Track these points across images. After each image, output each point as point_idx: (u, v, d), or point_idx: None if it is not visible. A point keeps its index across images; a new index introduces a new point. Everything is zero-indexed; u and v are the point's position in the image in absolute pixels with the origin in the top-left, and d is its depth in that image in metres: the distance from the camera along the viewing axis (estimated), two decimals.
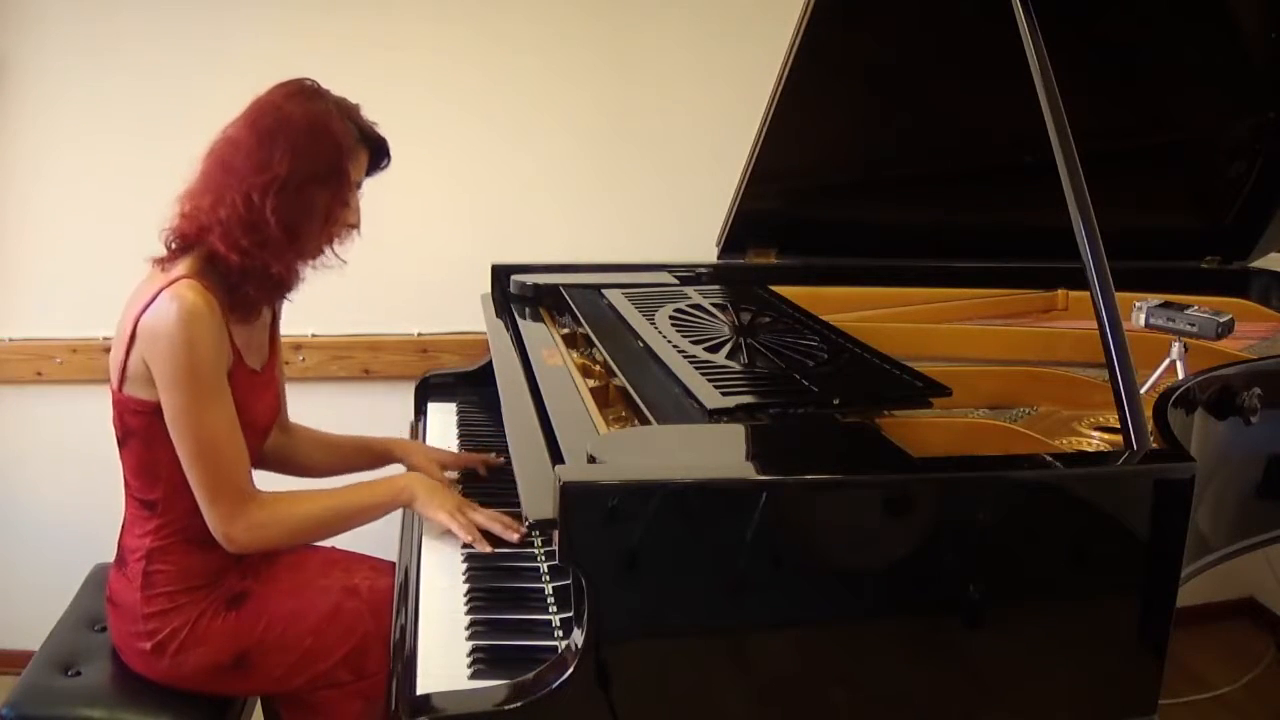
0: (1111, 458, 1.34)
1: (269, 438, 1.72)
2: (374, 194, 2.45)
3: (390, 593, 1.59)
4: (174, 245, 1.50)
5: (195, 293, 1.43)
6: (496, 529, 1.49)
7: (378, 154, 1.59)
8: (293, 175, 1.45)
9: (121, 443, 1.53)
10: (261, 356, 1.62)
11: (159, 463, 1.48)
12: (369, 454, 1.86)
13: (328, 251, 1.56)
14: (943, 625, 1.16)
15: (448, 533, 1.51)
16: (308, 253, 1.53)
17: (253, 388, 1.56)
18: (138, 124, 2.29)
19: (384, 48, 2.34)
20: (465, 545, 1.49)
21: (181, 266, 1.47)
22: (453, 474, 1.79)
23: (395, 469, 1.78)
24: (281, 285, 1.54)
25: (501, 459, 1.78)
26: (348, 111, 1.53)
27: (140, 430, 1.48)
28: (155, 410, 1.46)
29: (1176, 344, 1.58)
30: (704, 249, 2.20)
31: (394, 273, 2.44)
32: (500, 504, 1.63)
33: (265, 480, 1.69)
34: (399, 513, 1.76)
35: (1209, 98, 2.03)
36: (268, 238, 1.45)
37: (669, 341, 1.60)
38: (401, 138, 2.35)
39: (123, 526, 1.58)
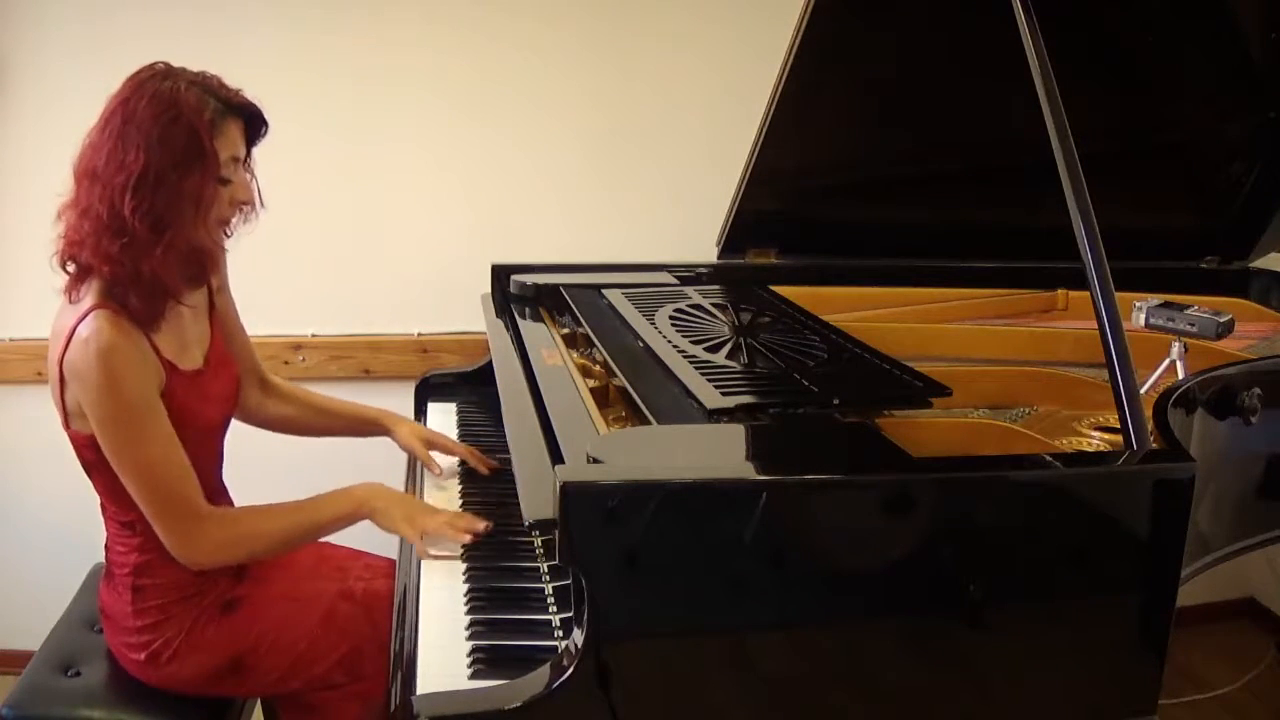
0: (1111, 458, 1.34)
1: (251, 400, 1.73)
2: (374, 194, 2.47)
3: (386, 594, 1.59)
4: (69, 269, 1.43)
5: (106, 322, 1.37)
6: (448, 535, 1.46)
7: (253, 122, 1.49)
8: (149, 167, 1.36)
9: (88, 472, 1.50)
10: (201, 347, 1.56)
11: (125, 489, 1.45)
12: (360, 422, 1.86)
13: (218, 234, 1.50)
14: (942, 625, 1.16)
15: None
16: (182, 242, 1.42)
17: (197, 388, 1.52)
18: None
19: (384, 47, 2.34)
20: (464, 545, 1.48)
21: (89, 295, 1.41)
22: (450, 460, 1.79)
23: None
24: (160, 283, 1.41)
25: (496, 464, 1.77)
26: (205, 85, 1.43)
27: (98, 461, 1.45)
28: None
29: (1176, 344, 1.58)
30: (704, 249, 2.20)
31: (394, 273, 2.44)
32: (501, 502, 1.63)
33: (250, 484, 1.71)
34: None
35: (1209, 98, 2.03)
36: (134, 238, 1.37)
37: (669, 341, 1.60)
38: (402, 137, 2.38)
39: (106, 542, 1.58)
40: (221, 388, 1.60)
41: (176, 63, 1.41)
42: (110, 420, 1.38)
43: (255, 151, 1.52)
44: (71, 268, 1.43)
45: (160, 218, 1.38)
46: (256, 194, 1.51)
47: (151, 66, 1.44)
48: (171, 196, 1.39)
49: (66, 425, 1.47)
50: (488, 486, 1.73)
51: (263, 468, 1.91)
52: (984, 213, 2.09)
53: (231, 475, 1.70)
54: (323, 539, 1.61)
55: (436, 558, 1.46)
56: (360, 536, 1.64)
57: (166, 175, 1.38)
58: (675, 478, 1.08)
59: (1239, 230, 2.20)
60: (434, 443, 1.81)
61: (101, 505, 1.55)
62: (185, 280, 1.48)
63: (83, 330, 1.37)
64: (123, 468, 1.41)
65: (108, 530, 1.56)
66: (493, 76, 2.40)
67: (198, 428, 1.50)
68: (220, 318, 1.65)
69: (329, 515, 1.52)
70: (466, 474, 1.79)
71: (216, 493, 1.63)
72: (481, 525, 1.46)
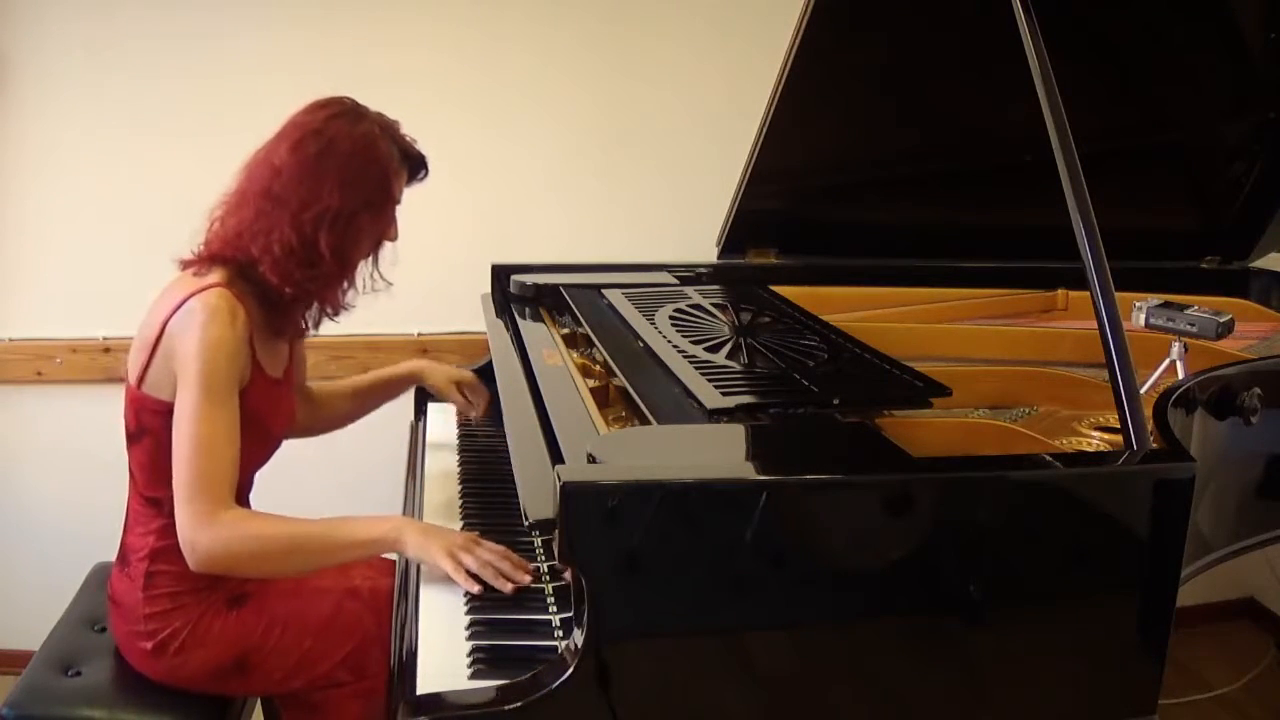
0: (1111, 458, 1.34)
1: (302, 417, 1.76)
2: None
3: (390, 593, 1.59)
4: (208, 258, 1.49)
5: (225, 301, 1.43)
6: (489, 575, 1.36)
7: (415, 168, 1.60)
8: (345, 205, 1.45)
9: (133, 439, 1.52)
10: (282, 363, 1.61)
11: (167, 462, 1.45)
12: (394, 384, 1.91)
13: (373, 270, 1.59)
14: (943, 625, 1.16)
15: None
16: (355, 276, 1.55)
17: (273, 396, 1.56)
18: (138, 124, 2.29)
19: (384, 47, 2.34)
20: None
21: (215, 274, 1.47)
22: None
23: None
24: (327, 309, 1.55)
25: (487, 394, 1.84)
26: (390, 131, 1.53)
27: (154, 429, 1.47)
28: (171, 411, 1.44)
29: (1176, 344, 1.58)
30: (704, 249, 2.20)
31: (394, 273, 2.43)
32: (500, 505, 1.63)
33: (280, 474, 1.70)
34: (400, 508, 1.77)
35: (1209, 98, 2.03)
36: (321, 270, 1.47)
37: (669, 341, 1.60)
38: None
39: (125, 525, 1.58)
40: (289, 405, 1.65)
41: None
42: (194, 381, 1.41)
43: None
44: (208, 255, 1.49)
45: (347, 254, 1.49)
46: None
47: (341, 101, 1.52)
48: (357, 235, 1.49)
49: (138, 384, 1.49)
50: (488, 487, 1.73)
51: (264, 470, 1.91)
52: (984, 213, 2.09)
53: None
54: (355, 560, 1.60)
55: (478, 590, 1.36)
56: None
57: (359, 216, 1.48)
58: (675, 478, 1.08)
59: (1239, 230, 2.20)
60: (463, 381, 1.90)
61: (131, 479, 1.55)
62: (333, 313, 1.58)
63: (202, 299, 1.43)
64: (183, 428, 1.42)
65: (130, 510, 1.57)
66: (493, 76, 2.40)
67: (261, 433, 1.53)
68: (297, 344, 1.69)
69: (351, 537, 1.45)
70: (466, 474, 1.79)
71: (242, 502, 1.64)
72: (526, 579, 1.36)
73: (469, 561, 1.37)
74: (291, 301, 1.49)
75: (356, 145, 1.47)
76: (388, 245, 1.60)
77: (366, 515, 1.47)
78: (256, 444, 1.54)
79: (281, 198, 1.45)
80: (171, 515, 1.47)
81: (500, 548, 1.40)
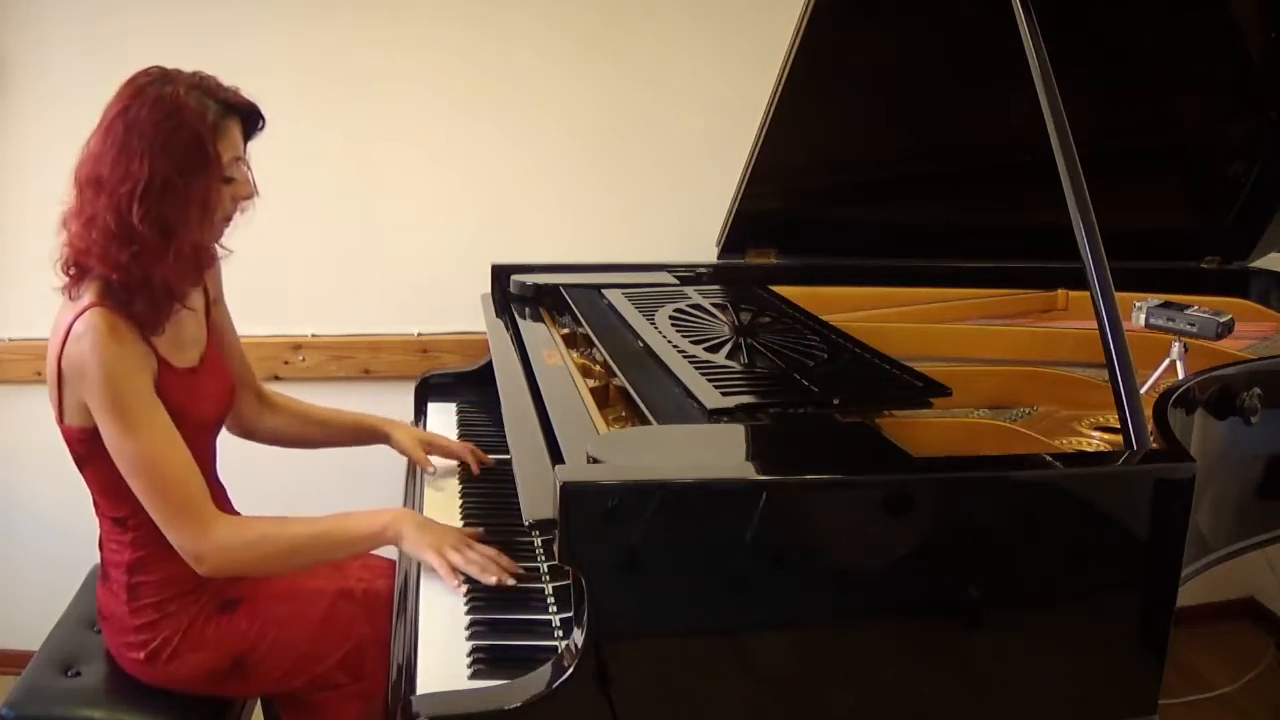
0: (1111, 458, 1.34)
1: (247, 412, 1.72)
2: (374, 194, 2.46)
3: (386, 594, 1.59)
4: (70, 272, 1.44)
5: (103, 319, 1.38)
6: (475, 571, 1.38)
7: (250, 119, 1.50)
8: (155, 174, 1.37)
9: (80, 468, 1.50)
10: (198, 348, 1.57)
11: (120, 481, 1.44)
12: (358, 431, 1.86)
13: (220, 230, 1.51)
14: (942, 625, 1.16)
15: None
16: (189, 246, 1.45)
17: (191, 386, 1.52)
18: None
19: (384, 46, 2.34)
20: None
21: (88, 293, 1.41)
22: (448, 462, 1.79)
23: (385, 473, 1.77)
24: (169, 289, 1.44)
25: (491, 460, 1.78)
26: (203, 86, 1.43)
27: (95, 455, 1.45)
28: (96, 433, 1.42)
29: (1176, 344, 1.58)
30: (704, 249, 2.20)
31: (394, 273, 2.44)
32: (500, 502, 1.63)
33: (251, 491, 1.70)
34: (400, 507, 1.76)
35: (1209, 98, 2.03)
36: (144, 246, 1.38)
37: (669, 341, 1.60)
38: (401, 137, 2.38)
39: (100, 542, 1.58)
40: (215, 388, 1.60)
41: (176, 62, 1.41)
42: (110, 413, 1.39)
43: (255, 147, 1.53)
44: (73, 271, 1.44)
45: (168, 224, 1.40)
46: (253, 184, 1.52)
47: (147, 71, 1.44)
48: (179, 202, 1.40)
49: (60, 420, 1.47)
50: (487, 487, 1.73)
51: (262, 469, 1.91)
52: (984, 212, 2.09)
53: (231, 477, 1.70)
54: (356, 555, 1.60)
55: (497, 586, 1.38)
56: None
57: (173, 182, 1.39)
58: (675, 478, 1.08)
59: (1239, 230, 2.20)
60: (433, 444, 1.81)
61: (94, 503, 1.54)
62: (191, 281, 1.50)
63: (79, 327, 1.38)
64: (125, 461, 1.41)
65: (101, 529, 1.56)
66: (493, 76, 2.40)
67: (190, 424, 1.49)
68: (215, 327, 1.66)
69: (349, 533, 1.48)
70: (466, 474, 1.79)
71: (214, 490, 1.62)
72: (510, 580, 1.38)
73: (456, 559, 1.39)
74: (125, 289, 1.40)
75: (161, 111, 1.38)
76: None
77: (366, 510, 1.49)
78: (190, 435, 1.49)
79: (100, 182, 1.39)
80: (141, 527, 1.48)
81: (492, 550, 1.42)
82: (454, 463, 1.82)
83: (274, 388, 1.87)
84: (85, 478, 1.52)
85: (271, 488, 1.81)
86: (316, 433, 1.85)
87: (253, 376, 1.80)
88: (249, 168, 1.51)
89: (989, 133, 2.00)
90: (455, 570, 1.39)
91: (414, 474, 1.83)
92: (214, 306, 1.66)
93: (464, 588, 1.38)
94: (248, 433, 1.81)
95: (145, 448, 1.40)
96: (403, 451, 1.82)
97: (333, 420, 1.86)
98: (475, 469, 1.77)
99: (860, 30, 1.81)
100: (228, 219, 1.51)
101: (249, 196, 1.51)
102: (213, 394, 1.59)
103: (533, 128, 2.43)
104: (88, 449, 1.45)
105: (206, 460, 1.61)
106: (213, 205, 1.45)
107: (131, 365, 1.40)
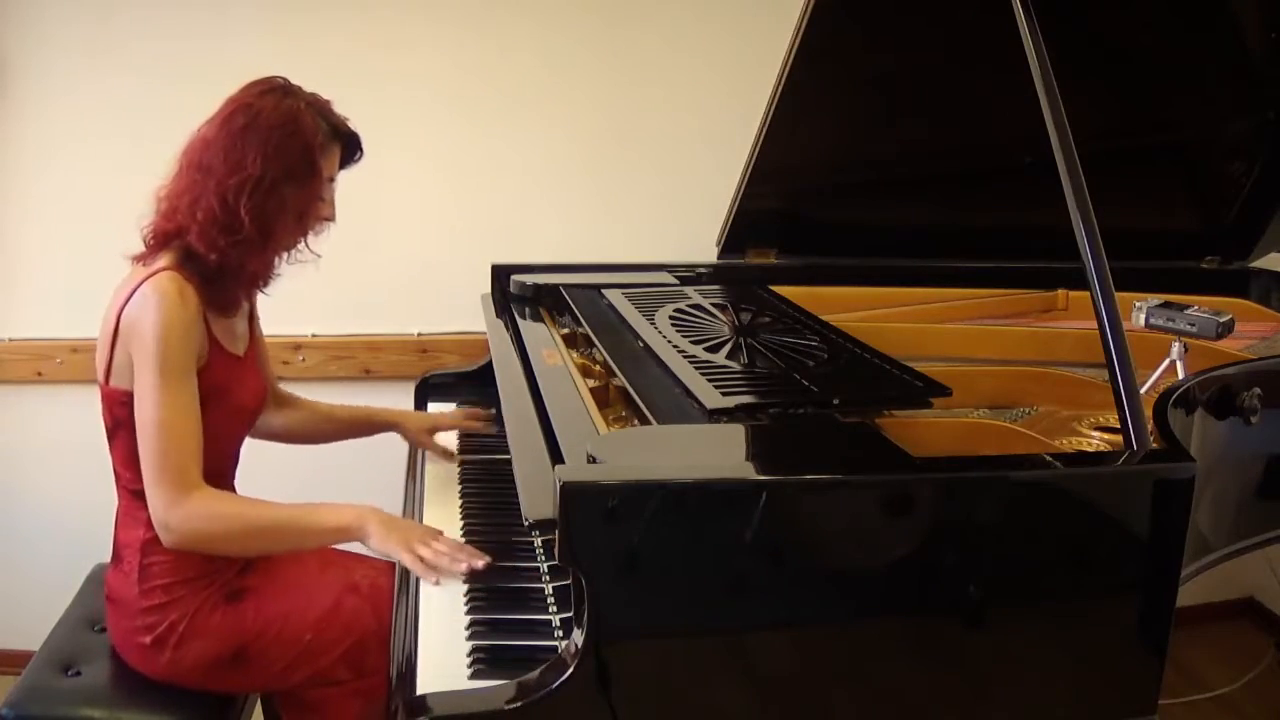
0: (1111, 458, 1.34)
1: (265, 410, 1.75)
2: (374, 194, 2.46)
3: (391, 592, 1.59)
4: (152, 242, 1.52)
5: (173, 283, 1.46)
6: (445, 564, 1.41)
7: (350, 148, 1.61)
8: (265, 174, 1.47)
9: (111, 435, 1.55)
10: (244, 342, 1.64)
11: None
12: (367, 423, 1.92)
13: (302, 245, 1.59)
14: (942, 625, 1.16)
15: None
16: (282, 248, 1.56)
17: (237, 372, 1.59)
18: (137, 124, 2.28)
19: (383, 48, 2.34)
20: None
21: (162, 259, 1.50)
22: (451, 440, 1.85)
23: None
24: (257, 280, 1.58)
25: (492, 411, 1.86)
26: (319, 108, 1.54)
27: (128, 420, 1.49)
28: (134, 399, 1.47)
29: (1176, 344, 1.58)
30: (704, 249, 2.20)
31: (394, 273, 2.44)
32: (501, 505, 1.63)
33: (252, 492, 1.70)
34: (400, 508, 1.77)
35: (1209, 98, 2.03)
36: (243, 237, 1.47)
37: (669, 341, 1.60)
38: (401, 138, 2.38)
39: (116, 523, 1.59)
40: (255, 382, 1.66)
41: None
42: (149, 363, 1.44)
43: None
44: (153, 241, 1.52)
45: (268, 222, 1.49)
46: (334, 210, 1.61)
47: (272, 80, 1.54)
48: (279, 205, 1.50)
49: (105, 381, 1.52)
50: (487, 488, 1.73)
51: (262, 470, 1.91)
52: (984, 212, 2.09)
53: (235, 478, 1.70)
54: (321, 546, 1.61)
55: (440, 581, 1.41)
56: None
57: (279, 185, 1.48)
58: (675, 478, 1.08)
59: (1239, 230, 2.20)
60: (438, 426, 1.91)
61: (115, 475, 1.56)
62: (270, 280, 1.61)
63: (150, 286, 1.46)
64: (143, 410, 1.45)
65: (119, 505, 1.58)
66: (493, 76, 2.40)
67: (231, 408, 1.56)
68: (256, 328, 1.72)
69: (317, 524, 1.50)
70: (466, 475, 1.79)
71: (225, 479, 1.66)
72: (481, 563, 1.41)
73: (426, 554, 1.42)
74: (220, 271, 1.50)
75: (281, 118, 1.49)
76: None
77: (334, 503, 1.52)
78: (231, 418, 1.57)
79: (209, 168, 1.48)
80: None
81: (457, 541, 1.48)
82: (454, 462, 1.82)
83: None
84: (112, 448, 1.55)
85: (272, 486, 1.80)
86: (327, 427, 1.90)
87: (274, 379, 1.85)
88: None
89: (989, 133, 2.00)
90: (429, 566, 1.41)
91: (413, 474, 1.83)
92: (255, 309, 1.73)
93: (434, 577, 1.40)
94: (264, 432, 1.84)
95: (165, 410, 1.44)
96: (415, 443, 1.90)
97: (341, 415, 1.91)
98: (482, 427, 1.88)
99: (860, 30, 1.81)
100: (305, 236, 1.59)
101: (330, 219, 1.60)
102: (252, 386, 1.65)
103: (533, 128, 2.43)
104: (126, 413, 1.49)
105: (232, 445, 1.66)
106: (308, 216, 1.55)
107: (186, 331, 1.46)
